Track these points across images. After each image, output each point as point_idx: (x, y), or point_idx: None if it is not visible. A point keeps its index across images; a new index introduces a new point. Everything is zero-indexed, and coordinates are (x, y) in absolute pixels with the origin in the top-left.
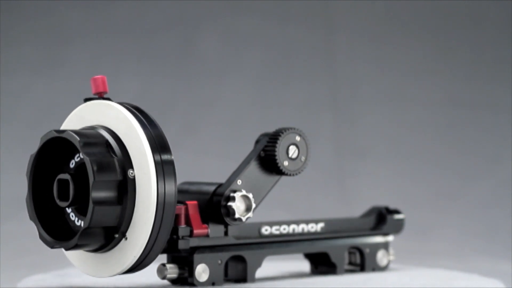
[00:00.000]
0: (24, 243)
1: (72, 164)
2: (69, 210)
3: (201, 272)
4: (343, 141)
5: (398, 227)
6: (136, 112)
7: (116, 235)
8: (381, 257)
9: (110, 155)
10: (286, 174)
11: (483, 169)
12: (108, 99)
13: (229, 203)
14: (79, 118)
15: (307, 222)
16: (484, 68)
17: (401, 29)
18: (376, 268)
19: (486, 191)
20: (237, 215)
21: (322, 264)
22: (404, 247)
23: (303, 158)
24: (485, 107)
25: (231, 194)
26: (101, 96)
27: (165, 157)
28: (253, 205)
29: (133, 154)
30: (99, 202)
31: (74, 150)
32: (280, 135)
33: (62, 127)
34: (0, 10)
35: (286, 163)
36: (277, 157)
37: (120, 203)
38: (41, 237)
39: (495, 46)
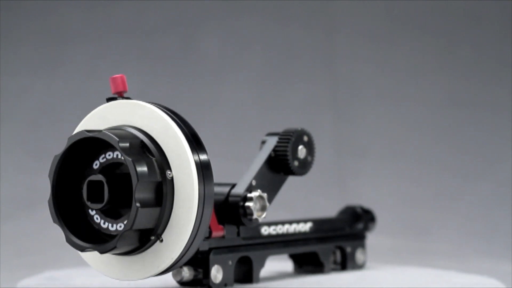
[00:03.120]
0: (24, 243)
1: (95, 165)
2: (92, 212)
3: (216, 273)
4: (343, 141)
5: (371, 226)
6: (169, 112)
7: (152, 237)
8: (359, 256)
9: (147, 155)
10: (296, 174)
11: (483, 169)
12: (129, 98)
13: (247, 204)
14: (101, 118)
15: (298, 222)
16: (484, 68)
17: (401, 29)
18: (355, 266)
19: (486, 191)
20: (254, 216)
21: (307, 263)
22: (404, 247)
23: (309, 158)
24: (485, 107)
25: (248, 195)
26: (121, 95)
27: (203, 157)
28: (267, 205)
29: (170, 154)
30: (142, 204)
31: (99, 151)
32: (291, 135)
33: (80, 127)
34: (0, 10)
35: (296, 163)
36: (288, 158)
37: (159, 204)
38: (68, 240)
39: (495, 46)
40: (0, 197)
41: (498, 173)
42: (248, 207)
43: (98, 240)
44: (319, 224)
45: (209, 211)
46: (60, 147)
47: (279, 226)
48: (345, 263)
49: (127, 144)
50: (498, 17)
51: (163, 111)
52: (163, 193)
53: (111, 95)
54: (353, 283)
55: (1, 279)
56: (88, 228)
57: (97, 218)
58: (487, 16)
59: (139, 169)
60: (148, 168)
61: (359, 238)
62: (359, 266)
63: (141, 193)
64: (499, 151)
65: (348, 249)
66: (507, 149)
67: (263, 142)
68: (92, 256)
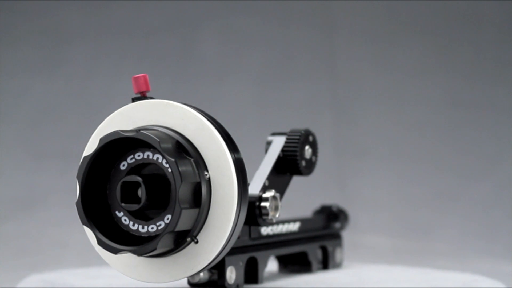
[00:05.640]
0: (24, 243)
1: (123, 166)
2: (120, 214)
3: (230, 274)
4: (343, 141)
5: (346, 225)
6: (202, 112)
7: (188, 239)
8: (338, 255)
9: (184, 156)
10: (302, 174)
11: (483, 169)
12: (151, 98)
13: (262, 204)
14: (126, 118)
15: (289, 221)
16: (484, 68)
17: (401, 29)
18: (335, 265)
19: (486, 191)
20: (270, 216)
21: (293, 263)
22: (404, 247)
23: (314, 159)
24: (485, 107)
25: (263, 195)
26: (143, 95)
27: (238, 157)
28: (280, 205)
29: (206, 154)
30: (185, 206)
31: (126, 151)
32: (299, 136)
33: (103, 127)
34: (0, 10)
35: (303, 163)
36: (297, 158)
37: (198, 205)
38: (100, 242)
39: (495, 46)
40: (0, 197)
41: (498, 173)
42: (264, 207)
43: (127, 242)
44: (305, 223)
45: (245, 212)
46: (60, 147)
47: (275, 226)
48: (327, 262)
49: (170, 145)
50: (498, 17)
51: (197, 111)
52: (201, 194)
53: (135, 95)
54: (356, 282)
55: (1, 279)
56: (115, 230)
57: (125, 220)
58: (487, 16)
59: (182, 169)
60: (188, 169)
61: (337, 237)
62: (338, 265)
63: (183, 194)
64: (499, 151)
65: (330, 248)
66: (507, 149)
67: (269, 143)
68: (117, 259)
